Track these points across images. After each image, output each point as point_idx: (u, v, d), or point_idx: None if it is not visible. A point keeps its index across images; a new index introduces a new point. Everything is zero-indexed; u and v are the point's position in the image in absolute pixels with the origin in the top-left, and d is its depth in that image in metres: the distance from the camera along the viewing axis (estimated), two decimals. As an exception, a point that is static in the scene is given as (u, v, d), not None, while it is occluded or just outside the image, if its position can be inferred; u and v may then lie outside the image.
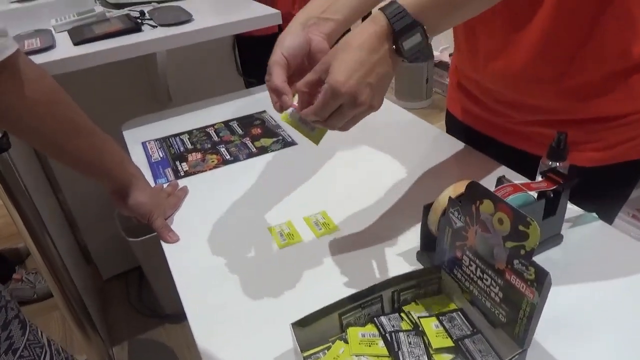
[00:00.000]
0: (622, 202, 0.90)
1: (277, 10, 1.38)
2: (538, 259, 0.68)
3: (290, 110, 0.60)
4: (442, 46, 3.30)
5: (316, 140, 0.64)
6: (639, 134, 0.78)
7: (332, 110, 0.54)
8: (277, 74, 0.58)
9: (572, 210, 0.75)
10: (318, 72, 0.55)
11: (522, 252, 0.47)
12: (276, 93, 0.58)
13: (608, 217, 0.89)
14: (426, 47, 0.54)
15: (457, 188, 0.62)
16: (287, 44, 0.60)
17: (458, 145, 0.97)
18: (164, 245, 0.78)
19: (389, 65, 0.54)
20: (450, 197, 0.57)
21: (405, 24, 0.51)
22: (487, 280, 0.53)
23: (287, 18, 0.87)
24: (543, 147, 0.71)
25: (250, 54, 1.77)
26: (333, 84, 0.51)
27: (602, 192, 0.84)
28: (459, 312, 0.58)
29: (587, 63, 0.72)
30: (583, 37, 0.71)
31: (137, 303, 1.86)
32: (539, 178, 0.69)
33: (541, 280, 0.45)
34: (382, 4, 0.55)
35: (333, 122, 0.55)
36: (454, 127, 1.04)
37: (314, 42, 0.62)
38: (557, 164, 0.70)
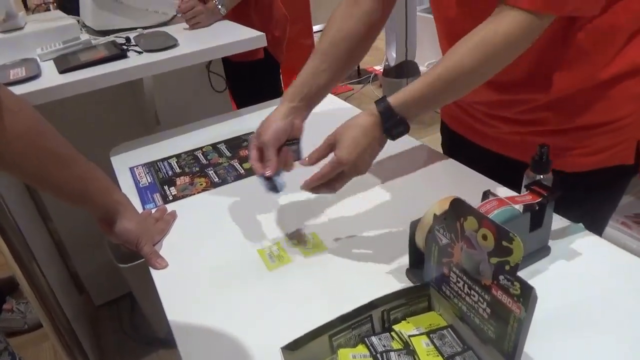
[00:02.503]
0: (612, 208, 0.92)
1: (261, 33, 1.40)
2: (526, 271, 0.68)
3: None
4: (429, 61, 3.34)
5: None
6: (623, 139, 0.80)
7: (334, 175, 0.70)
8: (270, 153, 0.77)
9: (558, 222, 0.75)
10: (329, 145, 0.72)
11: (507, 267, 0.47)
12: (265, 163, 0.78)
13: (599, 225, 0.90)
14: (408, 129, 0.71)
15: (442, 204, 0.62)
16: (277, 129, 0.78)
17: (443, 159, 0.98)
18: (153, 272, 0.78)
19: (380, 144, 0.73)
20: (435, 214, 0.57)
21: (393, 120, 0.70)
22: (474, 296, 0.53)
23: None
24: (530, 156, 0.72)
25: (238, 77, 1.79)
26: (340, 158, 0.69)
27: (592, 197, 0.86)
28: (449, 329, 0.58)
29: (565, 83, 0.75)
30: (557, 63, 0.74)
31: (129, 329, 1.83)
32: (524, 191, 0.70)
33: (527, 295, 0.45)
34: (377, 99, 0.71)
35: (335, 184, 0.72)
36: (449, 138, 1.06)
37: (295, 124, 0.82)
38: (541, 176, 0.71)
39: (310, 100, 0.83)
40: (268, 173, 0.77)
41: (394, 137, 0.71)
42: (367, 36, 0.85)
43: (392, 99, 0.70)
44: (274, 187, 0.79)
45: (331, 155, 0.72)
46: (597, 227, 0.88)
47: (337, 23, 0.84)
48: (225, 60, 1.77)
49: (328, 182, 0.71)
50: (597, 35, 0.72)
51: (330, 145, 0.72)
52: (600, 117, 0.78)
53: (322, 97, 0.85)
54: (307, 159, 0.74)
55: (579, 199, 0.82)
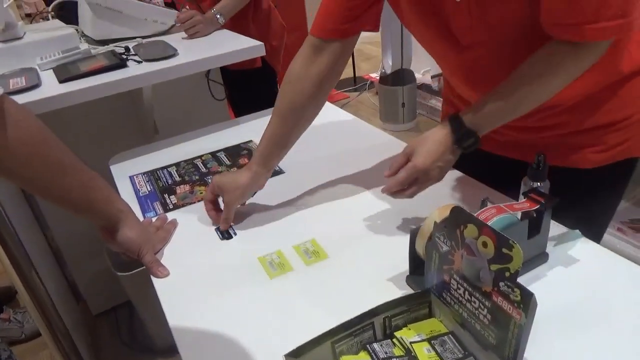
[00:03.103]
0: (617, 201, 0.94)
1: (259, 43, 1.41)
2: (525, 277, 0.69)
3: None
4: (424, 69, 3.36)
5: None
6: (631, 135, 0.84)
7: (411, 181, 0.76)
8: (231, 214, 0.87)
9: (555, 229, 0.76)
10: (406, 154, 0.77)
11: (507, 274, 0.48)
12: (223, 220, 0.88)
13: (606, 218, 0.94)
14: (479, 142, 0.75)
15: (442, 212, 0.63)
16: (243, 193, 0.88)
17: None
18: (154, 280, 0.78)
19: (452, 154, 0.75)
20: (435, 222, 0.58)
21: (462, 131, 0.74)
22: (475, 302, 0.53)
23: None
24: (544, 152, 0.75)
25: (235, 86, 1.80)
26: (416, 163, 0.74)
27: (600, 191, 0.89)
28: (450, 335, 0.59)
29: (588, 85, 0.77)
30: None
31: (128, 338, 1.83)
32: (521, 198, 0.71)
33: (527, 302, 0.46)
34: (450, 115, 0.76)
35: (411, 191, 0.77)
36: None
37: (259, 186, 0.91)
38: (538, 183, 0.72)
39: (275, 164, 0.92)
40: (222, 228, 0.88)
41: (465, 149, 0.75)
42: (321, 95, 0.89)
43: (463, 112, 0.75)
44: (228, 235, 0.87)
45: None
46: (602, 220, 0.93)
47: (295, 84, 0.88)
48: (223, 69, 1.78)
49: (405, 189, 0.77)
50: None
51: (406, 155, 0.77)
52: (612, 116, 0.82)
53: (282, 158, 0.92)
54: (387, 172, 0.78)
55: (588, 193, 0.87)
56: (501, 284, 0.49)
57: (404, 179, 0.75)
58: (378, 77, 3.23)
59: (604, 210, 0.93)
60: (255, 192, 0.91)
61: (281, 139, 0.89)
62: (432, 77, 3.26)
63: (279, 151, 0.90)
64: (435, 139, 0.75)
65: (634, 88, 0.80)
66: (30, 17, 2.03)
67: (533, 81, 0.71)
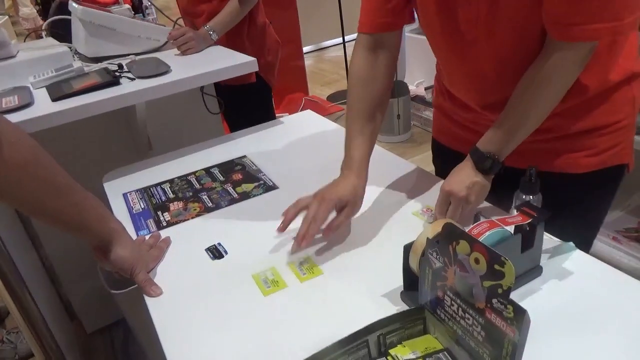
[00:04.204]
0: (607, 207, 0.95)
1: (252, 58, 1.42)
2: (519, 291, 0.69)
3: None
4: (417, 80, 3.39)
5: None
6: (621, 140, 0.86)
7: (446, 206, 0.81)
8: (291, 215, 0.85)
9: (549, 242, 0.77)
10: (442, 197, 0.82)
11: (500, 290, 0.48)
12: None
13: (595, 225, 0.95)
14: (499, 163, 0.80)
15: (434, 227, 0.63)
16: (360, 199, 0.87)
17: (436, 181, 0.99)
18: (147, 299, 0.77)
19: (482, 179, 0.80)
20: (428, 238, 0.58)
21: (477, 155, 0.80)
22: (469, 319, 0.53)
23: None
24: (535, 161, 0.80)
25: (229, 101, 1.80)
26: (447, 189, 0.80)
27: (591, 196, 0.90)
28: (445, 352, 0.59)
29: (570, 94, 0.78)
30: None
31: (122, 356, 1.81)
32: (514, 212, 0.71)
33: (520, 319, 0.46)
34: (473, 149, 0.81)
35: (449, 215, 0.81)
36: (442, 154, 1.09)
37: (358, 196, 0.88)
38: (530, 197, 0.73)
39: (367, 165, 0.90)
40: (281, 229, 0.85)
41: (486, 171, 0.80)
42: (389, 86, 0.93)
43: (479, 140, 0.81)
44: (219, 254, 0.85)
45: None
46: (593, 226, 0.95)
47: (370, 83, 0.90)
48: (217, 84, 1.79)
49: (447, 214, 0.82)
50: (610, 41, 0.78)
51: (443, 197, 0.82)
52: (603, 119, 0.84)
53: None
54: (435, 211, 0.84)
55: (579, 199, 0.88)
56: (494, 300, 0.49)
57: (440, 203, 0.81)
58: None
59: (594, 218, 0.94)
60: None
61: (367, 142, 0.89)
62: (426, 88, 3.28)
63: (368, 153, 0.90)
64: (463, 169, 0.81)
65: (622, 95, 0.83)
66: (28, 31, 2.03)
67: (534, 93, 0.75)
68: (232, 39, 1.72)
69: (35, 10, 5.07)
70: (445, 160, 1.04)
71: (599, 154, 0.86)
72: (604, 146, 0.86)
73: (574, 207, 0.88)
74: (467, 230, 0.61)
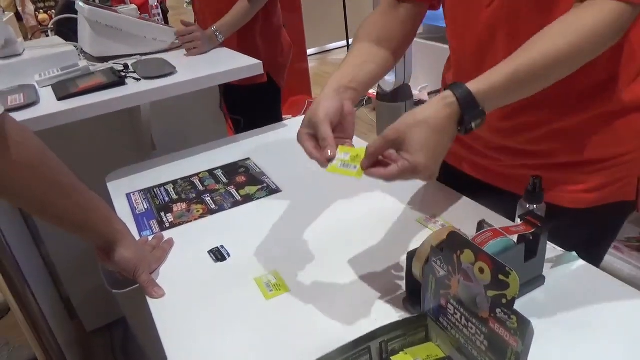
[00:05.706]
0: (608, 244, 0.91)
1: (258, 61, 1.42)
2: (522, 300, 0.69)
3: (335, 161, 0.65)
4: (421, 85, 3.40)
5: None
6: (624, 176, 0.79)
7: (385, 151, 0.61)
8: (325, 129, 0.66)
9: (552, 251, 0.77)
10: (390, 142, 0.61)
11: (504, 300, 0.48)
12: (322, 145, 0.65)
13: (594, 259, 0.89)
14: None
15: (439, 235, 0.63)
16: (327, 105, 0.69)
17: (439, 187, 0.99)
18: (149, 300, 0.77)
19: (452, 141, 0.63)
20: (432, 246, 0.58)
21: (474, 112, 0.61)
22: (472, 328, 0.53)
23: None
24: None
25: (238, 101, 1.81)
26: (415, 164, 0.59)
27: (589, 233, 0.85)
28: (447, 360, 0.59)
29: (571, 108, 0.75)
30: (565, 84, 0.71)
31: (122, 356, 1.81)
32: (518, 221, 0.71)
33: (523, 329, 0.46)
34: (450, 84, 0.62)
35: (387, 176, 0.61)
36: (443, 170, 1.06)
37: (345, 106, 0.71)
38: (534, 206, 0.73)
39: (359, 84, 0.74)
40: (330, 154, 0.63)
41: (468, 131, 0.62)
42: (405, 41, 0.84)
43: (473, 86, 0.61)
44: (222, 257, 0.85)
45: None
46: (595, 258, 0.87)
47: (381, 20, 0.83)
48: (227, 84, 1.79)
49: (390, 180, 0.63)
50: (620, 55, 0.72)
51: (390, 143, 0.61)
52: (605, 151, 0.78)
53: (370, 87, 0.77)
54: (362, 164, 0.63)
55: (576, 234, 0.81)
56: (498, 310, 0.49)
57: (397, 175, 0.60)
58: (375, 94, 3.25)
59: (595, 251, 0.88)
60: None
61: (366, 63, 0.77)
62: (429, 93, 3.28)
63: (365, 68, 0.76)
64: (435, 126, 0.60)
65: (631, 124, 0.76)
66: (35, 28, 2.04)
67: (555, 43, 0.61)
68: (244, 39, 1.71)
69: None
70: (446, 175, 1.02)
71: (597, 190, 0.79)
72: (603, 181, 0.79)
73: (571, 242, 0.78)
74: (470, 239, 0.61)
